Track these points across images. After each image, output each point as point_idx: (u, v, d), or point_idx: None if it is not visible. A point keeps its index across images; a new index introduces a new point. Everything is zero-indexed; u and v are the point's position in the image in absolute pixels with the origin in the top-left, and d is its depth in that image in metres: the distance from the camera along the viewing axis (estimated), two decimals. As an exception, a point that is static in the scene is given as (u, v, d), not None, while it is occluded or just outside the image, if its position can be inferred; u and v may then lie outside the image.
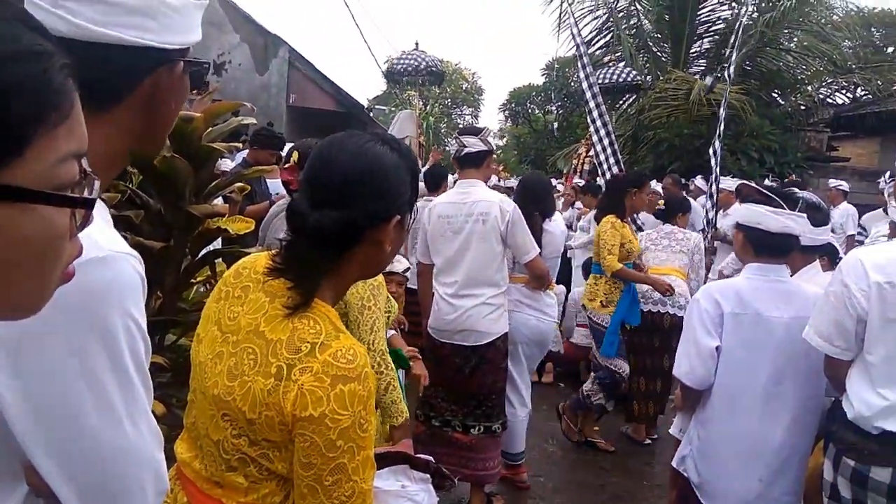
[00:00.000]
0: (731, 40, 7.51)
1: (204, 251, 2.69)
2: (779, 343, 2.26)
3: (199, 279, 2.75)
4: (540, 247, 3.65)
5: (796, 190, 2.50)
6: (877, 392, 1.92)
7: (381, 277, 2.30)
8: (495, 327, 3.46)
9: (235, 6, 14.87)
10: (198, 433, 1.16)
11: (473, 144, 3.50)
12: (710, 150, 7.01)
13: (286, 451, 1.05)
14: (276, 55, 14.54)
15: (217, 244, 2.94)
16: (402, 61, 10.60)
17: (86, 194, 0.57)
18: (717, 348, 2.31)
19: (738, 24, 7.76)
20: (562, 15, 11.07)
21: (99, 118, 0.82)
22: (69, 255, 0.59)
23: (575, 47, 7.22)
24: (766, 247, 2.35)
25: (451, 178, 9.53)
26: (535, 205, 3.88)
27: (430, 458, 1.59)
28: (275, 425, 1.03)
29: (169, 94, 0.91)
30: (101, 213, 0.85)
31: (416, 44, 11.06)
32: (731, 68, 7.28)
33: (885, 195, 2.61)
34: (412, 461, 1.55)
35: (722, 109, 7.06)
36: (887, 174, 5.42)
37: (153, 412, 2.11)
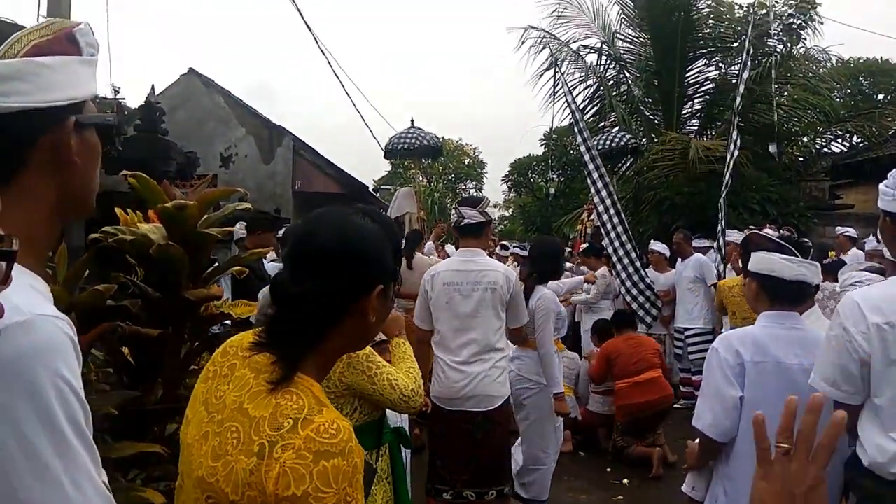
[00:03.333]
0: (737, 102, 7.74)
1: (206, 336, 2.70)
2: (800, 391, 2.20)
3: (200, 365, 2.74)
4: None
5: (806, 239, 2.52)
6: (888, 436, 1.85)
7: (368, 347, 2.28)
8: (504, 390, 3.53)
9: (240, 101, 15.47)
10: (184, 519, 1.12)
11: (472, 216, 3.59)
12: (720, 204, 7.09)
13: None
14: (280, 144, 15.01)
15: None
16: (400, 139, 10.85)
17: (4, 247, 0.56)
18: (741, 399, 2.25)
19: (741, 83, 7.99)
20: (555, 85, 11.38)
21: (5, 189, 0.82)
22: None
23: (570, 115, 7.41)
24: (782, 295, 2.32)
25: (448, 247, 9.65)
26: (548, 270, 4.09)
27: None
28: None
29: (72, 153, 0.89)
30: (33, 283, 0.84)
31: (412, 121, 11.34)
32: (734, 128, 7.43)
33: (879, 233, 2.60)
34: None
35: (728, 167, 7.17)
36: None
37: (152, 502, 2.05)
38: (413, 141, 10.58)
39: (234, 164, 14.96)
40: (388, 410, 2.45)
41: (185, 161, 8.51)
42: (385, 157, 11.96)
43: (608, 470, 5.18)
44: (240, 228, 4.68)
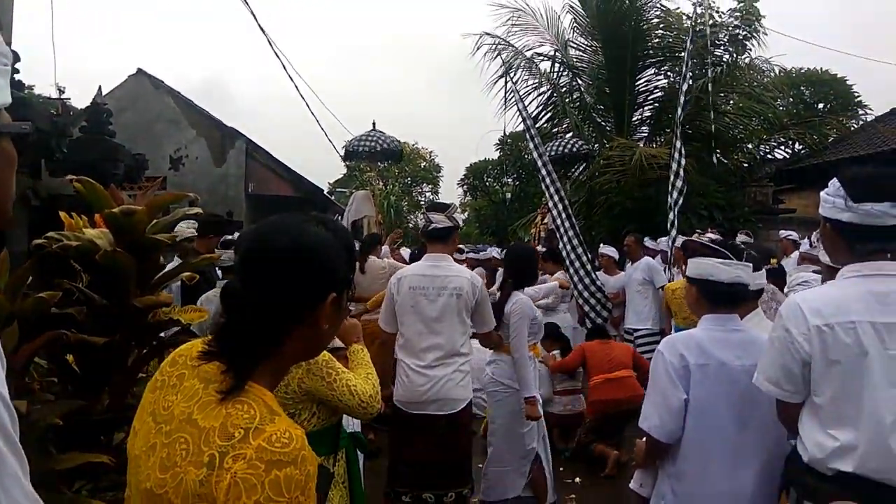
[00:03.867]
0: (678, 111, 7.94)
1: (154, 343, 2.66)
2: (742, 392, 2.28)
3: (149, 373, 2.69)
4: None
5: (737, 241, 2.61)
6: (827, 433, 1.92)
7: (326, 353, 2.29)
8: (466, 393, 3.58)
9: (190, 103, 15.18)
10: (133, 531, 1.11)
11: (440, 221, 3.66)
12: (669, 210, 7.29)
13: None
14: (233, 147, 14.78)
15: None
16: (360, 142, 10.79)
17: None
18: (685, 401, 2.31)
19: (681, 94, 8.19)
20: (507, 94, 11.52)
21: None
22: None
23: (522, 122, 7.50)
24: (720, 298, 2.40)
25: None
26: (524, 276, 4.14)
27: None
28: None
29: None
30: None
31: (374, 124, 11.28)
32: (678, 138, 7.63)
33: (815, 240, 2.73)
34: None
35: (676, 174, 7.36)
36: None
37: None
38: (374, 144, 10.53)
39: (184, 167, 14.67)
40: (344, 416, 2.46)
41: (134, 164, 8.29)
42: (344, 159, 11.87)
43: (561, 469, 5.26)
44: (187, 227, 4.55)
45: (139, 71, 14.87)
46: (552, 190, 6.90)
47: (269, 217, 1.23)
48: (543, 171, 6.89)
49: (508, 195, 25.00)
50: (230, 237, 4.00)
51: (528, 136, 7.25)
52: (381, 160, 12.34)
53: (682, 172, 7.44)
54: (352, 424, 3.03)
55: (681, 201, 7.37)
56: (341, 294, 1.17)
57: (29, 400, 2.14)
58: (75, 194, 2.55)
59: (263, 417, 1.04)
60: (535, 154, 6.97)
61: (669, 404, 2.32)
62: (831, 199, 2.03)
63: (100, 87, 8.54)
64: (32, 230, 4.86)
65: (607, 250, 7.88)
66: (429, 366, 3.52)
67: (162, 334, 2.73)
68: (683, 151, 7.64)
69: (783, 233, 8.98)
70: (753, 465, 2.28)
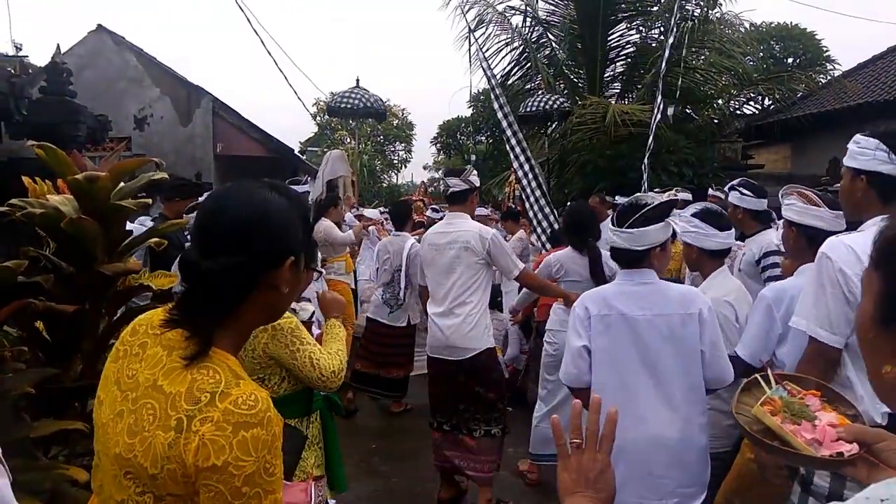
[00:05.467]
0: (661, 66, 7.91)
1: (124, 310, 2.65)
2: (646, 341, 2.41)
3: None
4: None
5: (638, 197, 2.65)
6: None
7: (295, 320, 2.31)
8: (477, 342, 3.86)
9: (154, 60, 14.73)
10: (104, 496, 1.14)
11: (456, 184, 4.03)
12: (643, 167, 7.34)
13: (192, 503, 1.05)
14: (199, 106, 14.42)
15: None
16: (343, 98, 10.58)
17: None
18: (584, 347, 2.47)
19: (666, 48, 8.18)
20: (470, 52, 11.35)
21: None
22: None
23: (487, 81, 7.44)
24: (622, 260, 2.55)
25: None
26: (585, 233, 4.39)
27: None
28: (178, 478, 1.03)
29: None
30: None
31: (357, 80, 11.06)
32: (659, 97, 7.63)
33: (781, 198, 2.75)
34: None
35: (651, 129, 7.40)
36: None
37: (76, 479, 2.04)
38: (357, 101, 10.38)
39: (149, 127, 14.31)
40: None
41: (96, 125, 8.07)
42: (327, 114, 11.66)
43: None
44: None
45: (99, 27, 14.34)
46: (518, 150, 6.89)
47: (237, 179, 1.23)
48: (509, 132, 6.86)
49: (473, 157, 24.84)
50: (200, 201, 3.95)
51: (493, 96, 7.20)
52: (365, 118, 12.18)
53: (654, 129, 7.48)
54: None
55: (647, 158, 7.42)
56: (299, 258, 1.19)
57: (1, 369, 2.14)
58: (36, 157, 2.50)
59: (229, 381, 1.07)
60: (499, 114, 6.94)
61: (571, 351, 2.51)
62: (871, 152, 2.05)
63: (58, 45, 8.21)
64: (-6, 195, 4.73)
65: None
66: (441, 314, 3.90)
67: (135, 301, 2.72)
68: (662, 107, 7.67)
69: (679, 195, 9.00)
70: (663, 411, 2.37)
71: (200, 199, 4.18)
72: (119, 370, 1.17)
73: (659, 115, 7.65)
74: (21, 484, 1.58)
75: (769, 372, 1.75)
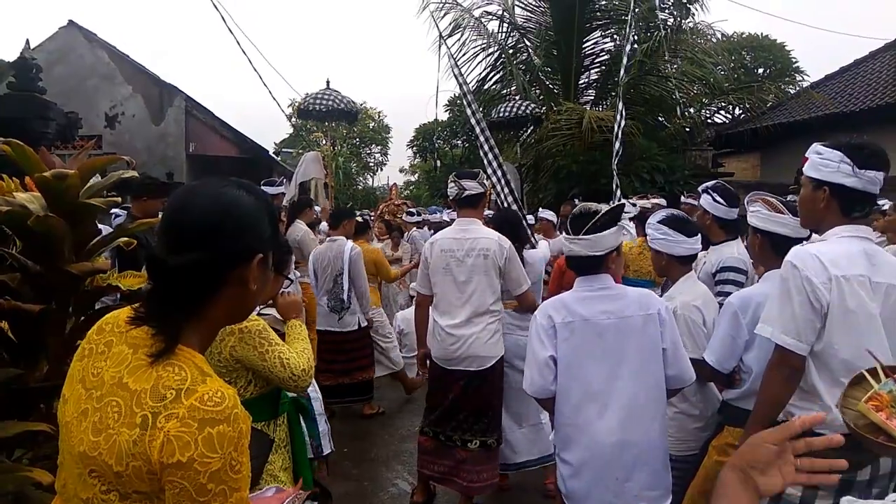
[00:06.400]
0: (622, 71, 8.01)
1: (92, 310, 2.61)
2: (609, 345, 2.44)
3: (87, 340, 2.65)
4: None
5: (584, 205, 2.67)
6: (841, 383, 1.94)
7: (262, 322, 2.29)
8: (494, 350, 3.81)
9: (126, 57, 14.52)
10: (67, 495, 1.13)
11: (472, 188, 3.87)
12: (613, 175, 7.43)
13: (158, 501, 1.05)
14: (171, 104, 14.25)
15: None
16: (316, 100, 10.53)
17: None
18: (551, 357, 2.47)
19: (624, 56, 8.28)
20: (440, 59, 11.40)
21: None
22: None
23: (459, 88, 7.48)
24: (577, 268, 2.57)
25: (444, 214, 9.66)
26: (514, 239, 4.20)
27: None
28: (143, 475, 1.03)
29: None
30: None
31: (328, 82, 11.02)
32: (620, 104, 7.74)
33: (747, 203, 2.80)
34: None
35: (616, 137, 7.49)
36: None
37: (40, 482, 2.01)
38: (329, 103, 10.34)
39: (120, 125, 14.10)
40: None
41: (66, 122, 7.92)
42: (299, 117, 11.62)
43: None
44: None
45: (70, 23, 14.10)
46: (490, 156, 6.94)
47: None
48: (482, 138, 6.90)
49: (438, 163, 24.81)
50: (170, 201, 3.90)
51: (465, 103, 7.24)
52: (336, 120, 12.14)
53: (618, 136, 7.58)
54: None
55: (615, 164, 7.51)
56: (267, 255, 1.20)
57: (-39, 369, 2.10)
58: (3, 154, 2.46)
59: (195, 378, 1.07)
60: (472, 120, 6.98)
61: (538, 362, 2.49)
62: (835, 164, 2.09)
63: (27, 41, 8.08)
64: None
65: (546, 214, 8.08)
66: (459, 324, 3.76)
67: (105, 301, 2.68)
68: (624, 114, 7.78)
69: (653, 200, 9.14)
70: (633, 413, 2.40)
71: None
72: (84, 368, 1.16)
73: (623, 122, 7.77)
74: (-17, 485, 1.55)
75: (878, 365, 1.76)
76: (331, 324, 5.67)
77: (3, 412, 2.25)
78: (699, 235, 3.07)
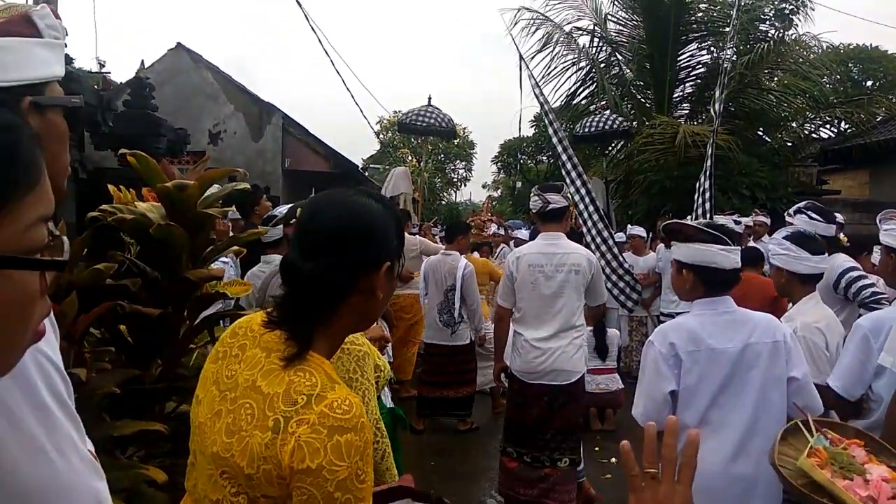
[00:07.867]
0: (720, 83, 7.70)
1: (202, 315, 2.71)
2: (732, 373, 2.28)
3: (199, 344, 2.75)
4: None
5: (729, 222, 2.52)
6: None
7: (367, 346, 2.28)
8: (580, 365, 3.81)
9: (229, 78, 15.27)
10: (198, 495, 1.15)
11: (557, 201, 3.85)
12: (698, 188, 7.12)
13: None
14: (269, 122, 14.85)
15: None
16: (416, 116, 10.76)
17: (55, 256, 0.58)
18: (671, 392, 2.31)
19: (721, 67, 7.97)
20: (521, 78, 11.30)
21: None
22: (39, 315, 0.61)
23: (541, 107, 7.42)
24: (719, 284, 2.38)
25: (516, 232, 9.75)
26: None
27: (431, 491, 1.58)
28: (273, 479, 1.03)
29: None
30: None
31: (430, 99, 11.20)
32: (718, 106, 7.45)
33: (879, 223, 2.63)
34: (414, 494, 1.54)
35: (709, 148, 7.19)
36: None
37: (154, 480, 2.07)
38: (429, 120, 10.53)
39: (222, 142, 14.81)
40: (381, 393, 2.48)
41: (176, 138, 8.42)
42: (399, 131, 11.85)
43: (596, 449, 5.29)
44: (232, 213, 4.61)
45: (178, 45, 14.99)
46: (574, 175, 6.82)
47: (308, 193, 1.24)
48: (564, 157, 6.80)
49: (517, 184, 24.63)
50: (274, 213, 4.04)
51: (546, 121, 7.16)
52: (435, 136, 12.34)
53: (711, 151, 7.26)
54: (390, 402, 3.06)
55: (711, 179, 7.17)
56: (394, 263, 1.20)
57: (86, 368, 2.20)
58: (119, 167, 2.59)
59: (325, 385, 1.08)
60: (554, 139, 6.89)
61: (654, 397, 2.33)
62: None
63: (142, 61, 8.69)
64: (80, 203, 4.97)
65: (636, 230, 7.83)
66: (545, 339, 3.75)
67: (219, 306, 2.77)
68: (720, 130, 7.49)
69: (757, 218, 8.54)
70: (752, 446, 2.24)
71: (277, 209, 4.27)
72: (218, 371, 1.18)
73: (716, 136, 7.47)
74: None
75: (808, 418, 1.66)
76: (443, 338, 5.73)
77: (119, 411, 2.35)
78: (825, 254, 2.87)
